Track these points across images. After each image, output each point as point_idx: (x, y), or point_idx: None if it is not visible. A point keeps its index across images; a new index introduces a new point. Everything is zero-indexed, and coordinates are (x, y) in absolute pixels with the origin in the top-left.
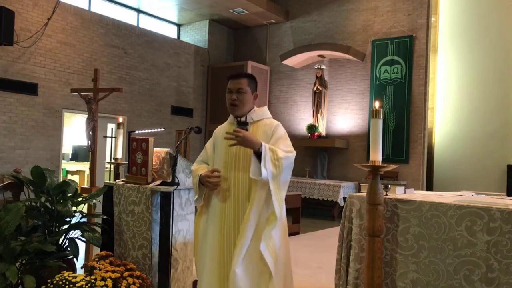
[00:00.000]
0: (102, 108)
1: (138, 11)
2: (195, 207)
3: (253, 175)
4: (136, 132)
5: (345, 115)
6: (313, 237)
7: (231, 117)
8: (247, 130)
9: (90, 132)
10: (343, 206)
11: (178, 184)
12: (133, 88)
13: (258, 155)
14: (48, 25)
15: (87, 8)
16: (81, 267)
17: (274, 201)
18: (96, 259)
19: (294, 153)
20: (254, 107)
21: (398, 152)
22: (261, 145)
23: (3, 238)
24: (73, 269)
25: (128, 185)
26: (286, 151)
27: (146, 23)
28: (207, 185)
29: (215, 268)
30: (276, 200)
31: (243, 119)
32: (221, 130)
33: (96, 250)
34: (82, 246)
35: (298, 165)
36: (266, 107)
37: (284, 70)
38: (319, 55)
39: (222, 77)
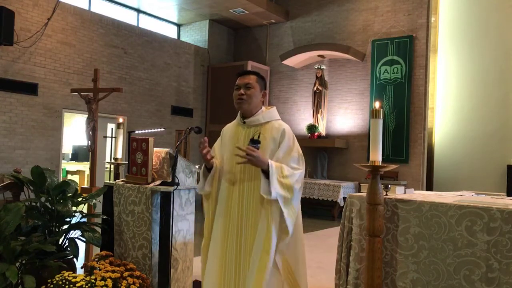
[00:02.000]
0: (102, 108)
1: (138, 11)
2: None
3: (263, 193)
4: (136, 132)
5: (345, 115)
6: (313, 237)
7: (238, 117)
8: (258, 148)
9: (90, 132)
10: (343, 206)
11: (178, 184)
12: (133, 88)
13: (265, 172)
14: (48, 25)
15: (87, 8)
16: (81, 267)
17: (287, 220)
18: (96, 259)
19: (302, 169)
20: (262, 108)
21: (398, 152)
22: (269, 164)
23: (3, 238)
24: (73, 269)
25: (128, 185)
26: (293, 168)
27: (146, 23)
28: (205, 157)
29: (217, 265)
30: (289, 217)
31: (255, 137)
32: (229, 129)
33: (96, 250)
34: (82, 246)
35: None
36: (274, 108)
37: (284, 70)
38: (319, 55)
39: (222, 77)
